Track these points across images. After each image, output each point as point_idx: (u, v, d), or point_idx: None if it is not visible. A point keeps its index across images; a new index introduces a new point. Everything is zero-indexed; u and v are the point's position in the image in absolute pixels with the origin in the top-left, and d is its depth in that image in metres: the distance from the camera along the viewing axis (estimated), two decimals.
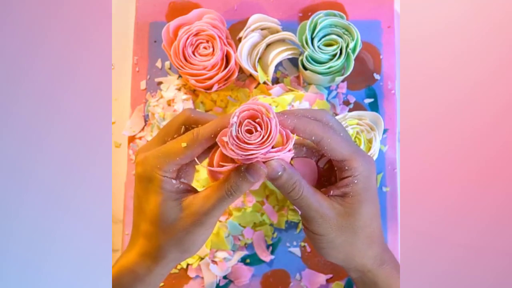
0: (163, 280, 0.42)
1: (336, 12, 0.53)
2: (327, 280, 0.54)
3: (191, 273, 0.54)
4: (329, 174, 0.43)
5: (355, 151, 0.39)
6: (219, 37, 0.52)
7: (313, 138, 0.38)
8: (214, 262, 0.54)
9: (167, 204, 0.38)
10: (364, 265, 0.41)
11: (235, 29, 0.57)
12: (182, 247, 0.39)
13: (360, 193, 0.39)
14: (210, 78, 0.53)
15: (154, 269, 0.40)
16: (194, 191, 0.40)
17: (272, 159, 0.36)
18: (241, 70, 0.56)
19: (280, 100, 0.54)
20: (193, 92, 0.57)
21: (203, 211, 0.38)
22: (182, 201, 0.38)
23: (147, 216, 0.39)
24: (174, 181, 0.38)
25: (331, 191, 0.40)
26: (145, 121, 0.57)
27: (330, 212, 0.39)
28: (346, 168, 0.39)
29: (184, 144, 0.37)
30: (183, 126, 0.39)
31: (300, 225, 0.55)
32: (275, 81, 0.57)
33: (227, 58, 0.54)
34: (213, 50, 0.53)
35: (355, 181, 0.39)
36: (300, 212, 0.40)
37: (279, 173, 0.37)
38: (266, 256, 0.54)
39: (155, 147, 0.39)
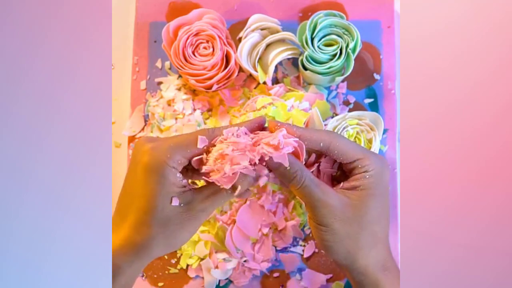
0: (137, 277, 0.41)
1: (336, 12, 0.53)
2: (327, 280, 0.54)
3: (191, 273, 0.54)
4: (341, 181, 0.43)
5: (367, 151, 0.41)
6: (219, 37, 0.52)
7: (321, 144, 0.40)
8: (213, 263, 0.54)
9: (167, 195, 0.38)
10: (367, 266, 0.41)
11: (235, 29, 0.57)
12: (170, 242, 0.39)
13: (370, 187, 0.39)
14: (210, 78, 0.53)
15: (135, 262, 0.39)
16: (194, 189, 0.40)
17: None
18: (241, 70, 0.56)
19: (280, 101, 0.54)
20: (193, 92, 0.57)
21: (200, 208, 0.39)
22: (181, 195, 0.38)
23: (141, 204, 0.38)
24: (178, 174, 0.38)
25: (342, 184, 0.41)
26: (145, 121, 0.57)
27: (334, 202, 0.39)
28: (359, 166, 0.40)
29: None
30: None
31: (301, 224, 0.55)
32: (275, 81, 0.57)
33: (227, 58, 0.54)
34: (213, 50, 0.53)
35: (367, 176, 0.40)
36: (304, 203, 0.40)
37: None
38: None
39: (164, 141, 0.39)
